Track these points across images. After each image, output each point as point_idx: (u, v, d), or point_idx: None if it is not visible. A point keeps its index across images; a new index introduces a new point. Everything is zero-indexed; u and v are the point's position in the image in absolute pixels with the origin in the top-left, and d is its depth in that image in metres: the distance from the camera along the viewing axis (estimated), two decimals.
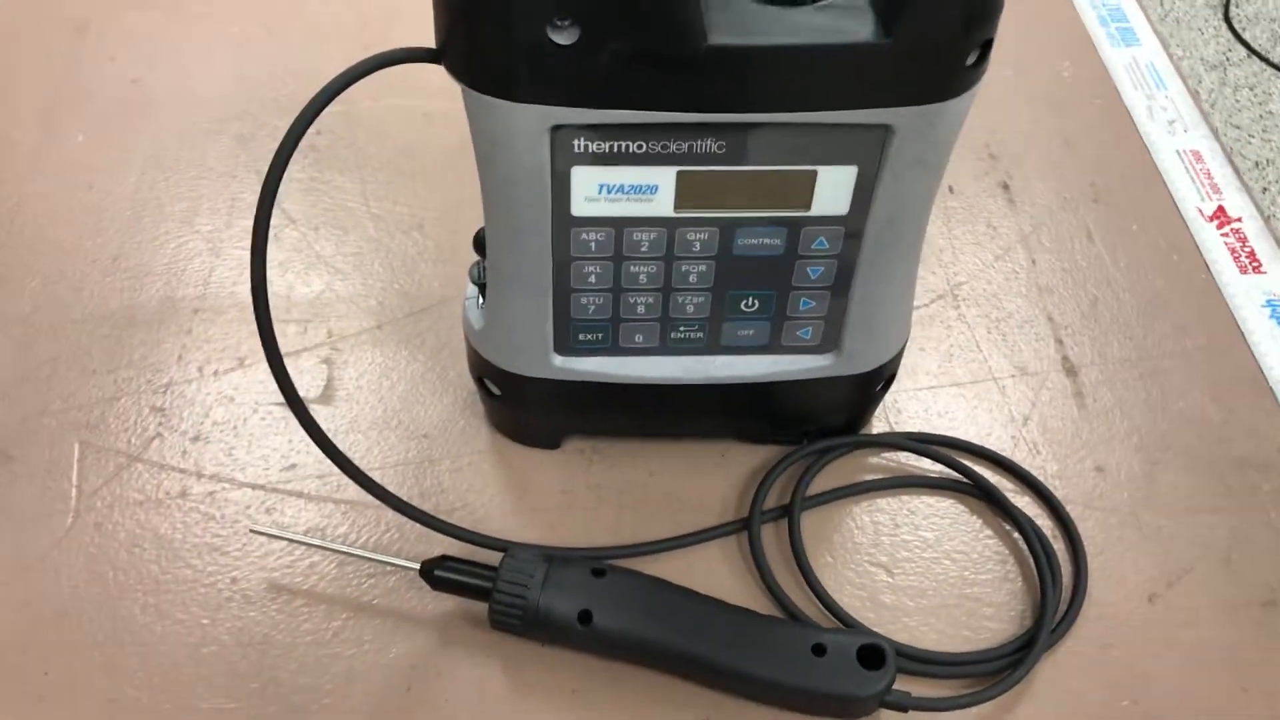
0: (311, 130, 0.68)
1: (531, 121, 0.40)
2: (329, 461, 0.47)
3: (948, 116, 0.41)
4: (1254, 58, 2.06)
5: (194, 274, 0.61)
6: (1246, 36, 2.10)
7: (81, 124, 0.68)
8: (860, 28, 0.38)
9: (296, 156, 0.67)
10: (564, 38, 0.37)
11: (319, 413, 0.56)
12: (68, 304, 0.59)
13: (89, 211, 0.64)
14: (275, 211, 0.64)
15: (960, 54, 0.39)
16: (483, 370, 0.52)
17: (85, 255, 0.62)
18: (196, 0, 0.77)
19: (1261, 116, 1.98)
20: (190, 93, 0.71)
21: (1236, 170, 0.69)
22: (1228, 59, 2.07)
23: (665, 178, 0.43)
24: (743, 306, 0.48)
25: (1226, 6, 2.15)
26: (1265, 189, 1.85)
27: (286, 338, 0.58)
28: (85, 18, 0.75)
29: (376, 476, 0.53)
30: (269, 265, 0.61)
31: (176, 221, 0.63)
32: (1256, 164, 1.90)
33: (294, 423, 0.46)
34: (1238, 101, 2.00)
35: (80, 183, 0.65)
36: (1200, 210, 0.67)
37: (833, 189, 0.43)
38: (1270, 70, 2.05)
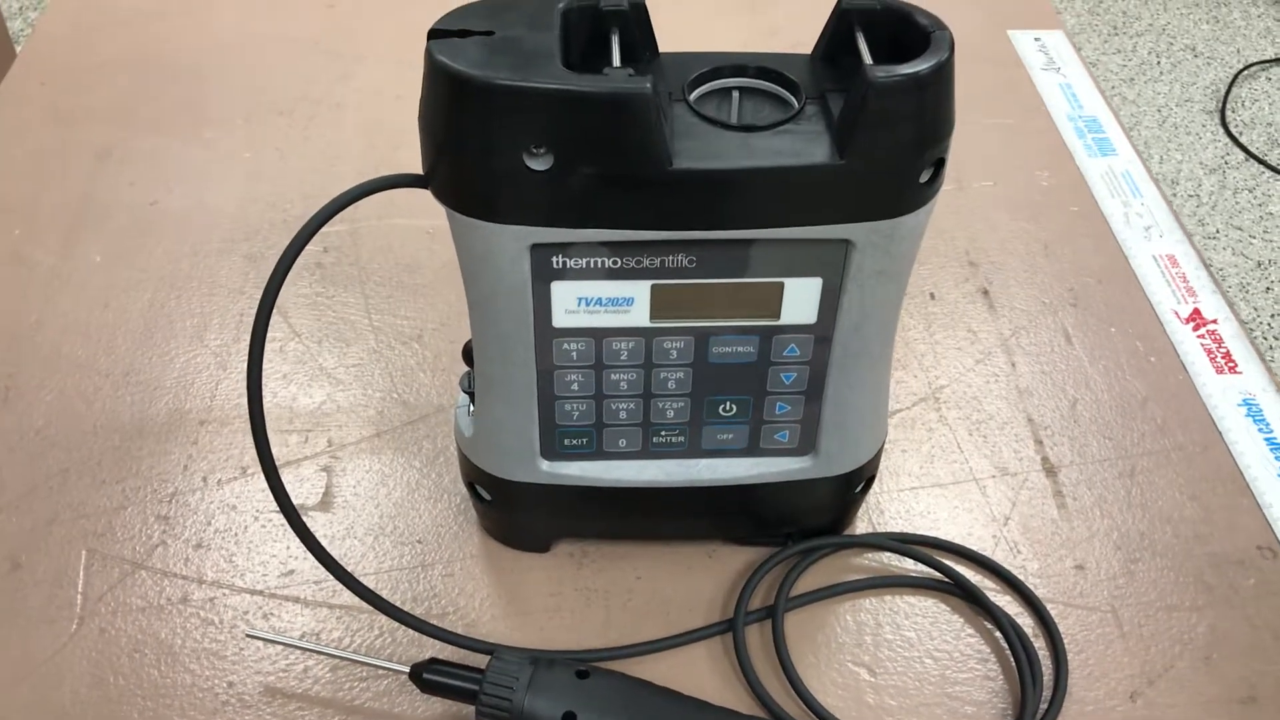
0: (318, 249, 0.72)
1: (512, 241, 0.43)
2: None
3: (905, 231, 0.44)
4: (1252, 160, 2.11)
5: (201, 387, 0.63)
6: (1244, 140, 2.15)
7: (100, 245, 0.72)
8: (816, 150, 0.41)
9: (303, 274, 0.70)
10: (539, 164, 0.40)
11: (317, 519, 0.57)
12: (80, 416, 0.62)
13: (104, 328, 0.67)
14: (281, 326, 0.67)
15: (913, 173, 0.42)
16: (473, 476, 0.53)
17: (99, 370, 0.64)
18: (212, 128, 0.81)
19: (1262, 218, 2.01)
20: (204, 214, 0.74)
21: (1211, 273, 0.71)
22: (1226, 162, 2.11)
23: (640, 290, 0.45)
24: (721, 411, 0.50)
25: (1223, 112, 2.20)
26: (1269, 288, 1.87)
27: (289, 447, 0.61)
28: (107, 145, 0.79)
29: (371, 581, 0.55)
30: (274, 377, 0.64)
31: (186, 337, 0.66)
32: (1259, 264, 1.92)
33: (292, 530, 0.47)
34: (1238, 204, 2.03)
35: (97, 301, 0.68)
36: (1176, 313, 0.69)
37: (800, 299, 0.46)
38: (1269, 173, 2.09)
